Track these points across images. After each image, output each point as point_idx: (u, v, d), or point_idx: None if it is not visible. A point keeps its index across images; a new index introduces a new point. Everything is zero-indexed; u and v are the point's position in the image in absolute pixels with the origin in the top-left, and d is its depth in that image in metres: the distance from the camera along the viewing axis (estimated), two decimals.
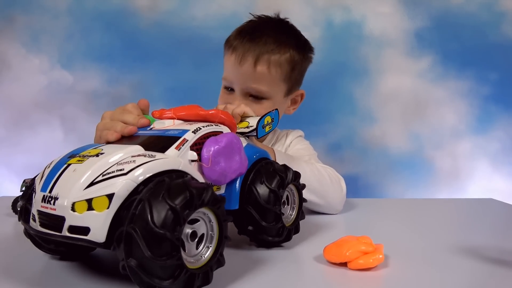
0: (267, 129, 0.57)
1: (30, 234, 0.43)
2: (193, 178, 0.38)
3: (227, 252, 0.40)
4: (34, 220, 0.39)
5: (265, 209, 0.49)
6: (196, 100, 1.03)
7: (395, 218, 0.77)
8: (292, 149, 0.90)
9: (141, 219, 0.32)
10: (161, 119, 0.50)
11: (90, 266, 0.45)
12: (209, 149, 0.43)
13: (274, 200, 0.49)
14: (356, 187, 1.34)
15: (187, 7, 1.34)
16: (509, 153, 1.37)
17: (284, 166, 0.54)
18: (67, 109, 1.33)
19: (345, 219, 0.74)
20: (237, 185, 0.48)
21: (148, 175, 0.36)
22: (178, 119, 0.49)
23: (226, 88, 0.85)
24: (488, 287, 0.43)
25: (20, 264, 0.46)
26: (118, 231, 0.33)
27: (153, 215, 0.32)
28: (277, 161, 0.68)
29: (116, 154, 0.39)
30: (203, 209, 0.37)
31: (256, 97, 0.81)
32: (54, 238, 0.37)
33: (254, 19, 0.89)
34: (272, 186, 0.49)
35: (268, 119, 0.57)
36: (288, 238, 0.53)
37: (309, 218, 0.71)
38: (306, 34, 1.38)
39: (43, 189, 0.39)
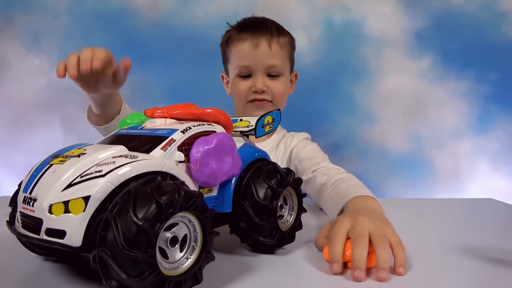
0: (267, 128, 0.55)
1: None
2: (171, 180, 0.37)
3: (223, 257, 0.39)
4: (18, 222, 0.38)
5: (260, 206, 0.47)
6: (196, 99, 1.03)
7: (395, 218, 0.77)
8: (302, 150, 0.93)
9: (110, 241, 0.31)
10: (153, 117, 0.48)
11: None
12: (198, 149, 0.41)
13: (271, 197, 0.47)
14: None
15: (187, 7, 1.34)
16: (509, 153, 1.37)
17: (287, 168, 0.52)
18: (67, 109, 1.32)
19: None
20: (231, 187, 0.47)
21: (127, 177, 0.34)
22: (171, 118, 0.47)
23: (241, 76, 0.92)
24: (488, 287, 0.43)
25: (20, 264, 0.46)
26: (92, 253, 0.32)
27: (121, 237, 0.30)
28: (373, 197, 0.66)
29: (98, 155, 0.38)
30: (179, 213, 0.35)
31: (273, 75, 0.91)
32: (32, 241, 0.36)
33: (240, 20, 0.99)
34: (271, 183, 0.47)
35: (268, 118, 0.55)
36: (281, 243, 0.50)
37: (308, 219, 0.71)
38: (306, 34, 1.38)
39: (25, 190, 0.38)
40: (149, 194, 0.33)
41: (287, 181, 0.50)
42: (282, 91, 0.92)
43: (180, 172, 0.39)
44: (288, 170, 0.51)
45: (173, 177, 0.38)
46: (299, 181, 0.53)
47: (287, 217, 0.53)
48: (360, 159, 1.36)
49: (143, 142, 0.41)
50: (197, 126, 0.44)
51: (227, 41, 0.95)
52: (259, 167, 0.49)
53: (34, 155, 1.32)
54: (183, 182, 0.38)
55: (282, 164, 0.94)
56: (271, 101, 0.92)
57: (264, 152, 0.53)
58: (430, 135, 1.37)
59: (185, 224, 0.37)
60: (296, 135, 0.99)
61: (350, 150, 1.36)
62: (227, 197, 0.46)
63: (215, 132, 0.45)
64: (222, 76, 1.03)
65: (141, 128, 0.47)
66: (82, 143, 0.45)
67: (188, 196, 0.35)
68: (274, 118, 0.56)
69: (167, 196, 0.33)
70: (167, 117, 0.47)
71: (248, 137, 0.55)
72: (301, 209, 0.54)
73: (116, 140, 0.45)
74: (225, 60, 0.99)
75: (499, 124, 1.37)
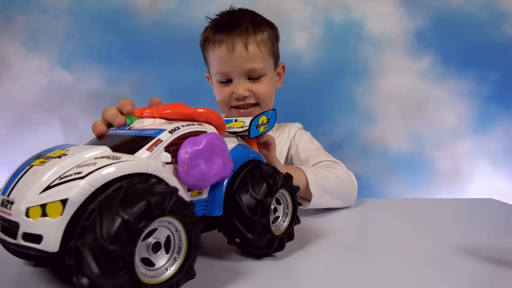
0: (261, 129, 0.53)
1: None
2: (160, 183, 0.35)
3: (212, 263, 0.39)
4: None
5: (251, 221, 0.44)
6: (196, 99, 1.03)
7: (395, 218, 0.77)
8: (300, 140, 0.94)
9: (91, 232, 0.29)
10: (142, 117, 0.46)
11: None
12: (186, 150, 0.39)
13: (261, 211, 0.44)
14: (355, 200, 1.34)
15: (187, 7, 1.34)
16: (509, 153, 1.37)
17: (274, 169, 0.49)
18: (67, 109, 1.33)
19: (345, 219, 0.74)
20: (222, 189, 0.44)
21: (108, 179, 0.33)
22: (160, 118, 0.45)
23: (222, 82, 0.88)
24: (488, 287, 0.43)
25: (20, 263, 0.46)
26: (69, 244, 0.30)
27: (103, 228, 0.29)
28: (308, 177, 0.72)
29: (79, 156, 0.36)
30: (167, 218, 0.33)
31: (254, 78, 0.86)
32: (8, 246, 0.35)
33: (217, 17, 0.94)
34: (259, 195, 0.44)
35: (263, 118, 0.53)
36: (280, 248, 0.48)
37: (306, 220, 0.71)
38: (306, 34, 1.38)
39: (3, 192, 0.36)
40: (140, 192, 0.32)
41: (284, 182, 0.48)
42: (266, 92, 0.88)
43: (166, 174, 0.38)
44: (288, 174, 0.50)
45: (159, 179, 0.36)
46: (289, 179, 0.50)
47: (283, 218, 0.50)
48: (360, 159, 1.36)
49: (129, 143, 0.40)
50: (187, 126, 0.42)
51: (204, 43, 0.91)
52: (258, 165, 0.48)
53: None
54: (177, 189, 0.36)
55: (282, 155, 0.94)
56: (257, 104, 0.88)
57: (258, 154, 0.51)
58: (430, 135, 1.37)
59: (171, 232, 0.35)
60: (292, 125, 1.00)
61: (350, 150, 1.36)
62: (218, 200, 0.44)
63: (205, 132, 0.43)
64: (208, 77, 0.99)
65: (129, 128, 0.45)
66: (67, 143, 0.43)
67: (180, 202, 0.34)
68: (269, 119, 0.54)
69: (159, 196, 0.32)
70: (157, 117, 0.45)
71: (242, 138, 0.53)
72: (295, 218, 0.51)
73: (103, 140, 0.44)
74: (206, 62, 0.95)
75: (499, 124, 1.37)
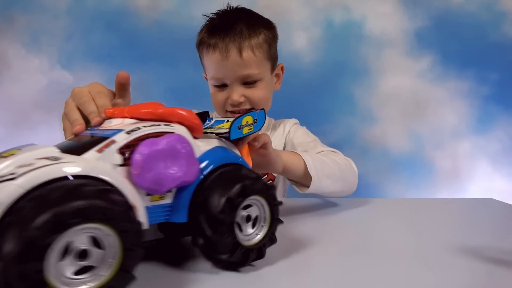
0: (245, 130, 0.47)
1: None
2: (107, 190, 0.33)
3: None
4: None
5: (216, 219, 0.40)
6: (196, 99, 1.04)
7: (395, 218, 0.77)
8: (294, 135, 0.94)
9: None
10: (112, 117, 0.44)
11: None
12: (140, 152, 0.36)
13: (229, 209, 0.40)
14: (356, 187, 1.34)
15: (187, 7, 1.34)
16: (509, 153, 1.37)
17: (253, 173, 0.45)
18: None
19: (345, 219, 0.74)
20: (188, 195, 0.41)
21: (40, 181, 0.31)
22: (131, 117, 0.43)
23: (217, 86, 0.87)
24: (488, 287, 0.43)
25: None
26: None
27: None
28: (306, 161, 0.70)
29: (23, 156, 0.35)
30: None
31: (250, 83, 0.85)
32: None
33: (213, 16, 0.91)
34: (230, 192, 0.41)
35: (248, 119, 0.47)
36: (244, 260, 0.43)
37: (305, 219, 0.71)
38: (306, 34, 1.38)
39: None
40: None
41: (251, 189, 0.42)
42: (261, 97, 0.87)
43: (115, 176, 0.35)
44: (257, 177, 0.44)
45: (104, 182, 0.35)
46: (269, 188, 0.45)
47: (256, 230, 0.44)
48: (360, 159, 1.35)
49: (85, 144, 0.38)
50: (150, 126, 0.40)
51: (199, 46, 0.89)
52: (221, 173, 0.43)
53: None
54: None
55: None
56: (252, 109, 0.85)
57: (237, 157, 0.47)
58: (430, 135, 1.37)
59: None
60: (287, 121, 0.99)
61: (350, 150, 1.36)
62: (182, 206, 0.41)
63: (172, 133, 0.41)
64: (205, 77, 0.98)
65: (98, 128, 0.44)
66: (31, 143, 0.42)
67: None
68: (256, 119, 0.48)
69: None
70: (127, 117, 0.43)
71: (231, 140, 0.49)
72: (275, 221, 0.45)
73: (70, 141, 0.43)
74: (201, 63, 0.94)
75: (499, 124, 1.37)
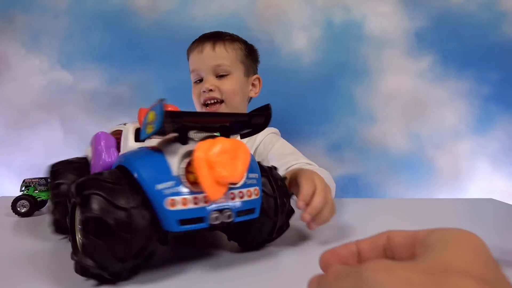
0: (148, 129, 0.38)
1: None
2: None
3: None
4: None
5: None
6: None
7: (395, 218, 0.77)
8: (274, 146, 0.94)
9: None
10: None
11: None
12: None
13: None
14: (356, 187, 1.34)
15: (187, 7, 1.34)
16: (509, 153, 1.37)
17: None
18: (67, 109, 1.33)
19: (345, 219, 0.74)
20: None
21: None
22: None
23: (195, 82, 0.99)
24: None
25: (20, 264, 0.46)
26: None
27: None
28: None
29: None
30: None
31: (221, 75, 0.95)
32: None
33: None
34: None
35: (151, 115, 0.38)
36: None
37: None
38: (306, 34, 1.38)
39: None
40: None
41: (77, 192, 0.38)
42: (231, 89, 0.95)
43: None
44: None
45: None
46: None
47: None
48: (360, 159, 1.36)
49: None
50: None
51: (187, 56, 1.03)
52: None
53: (34, 155, 1.33)
54: None
55: None
56: (222, 101, 0.95)
57: (127, 160, 0.41)
58: (430, 135, 1.37)
59: None
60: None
61: (350, 150, 1.36)
62: None
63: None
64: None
65: None
66: None
67: None
68: (157, 114, 0.37)
69: None
70: None
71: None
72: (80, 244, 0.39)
73: None
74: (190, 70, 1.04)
75: (499, 124, 1.37)
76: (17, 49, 1.34)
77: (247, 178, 0.41)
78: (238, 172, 0.39)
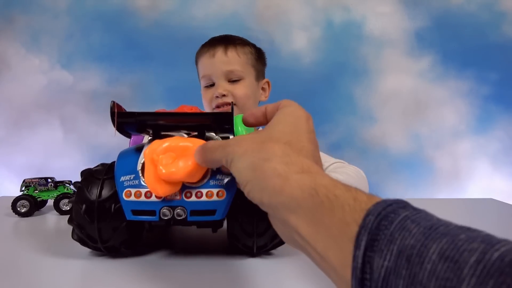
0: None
1: None
2: None
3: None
4: None
5: None
6: (196, 99, 1.03)
7: None
8: None
9: None
10: None
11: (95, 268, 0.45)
12: None
13: None
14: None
15: (187, 7, 1.34)
16: (509, 153, 1.37)
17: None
18: (67, 109, 1.33)
19: None
20: None
21: None
22: None
23: (206, 86, 0.97)
24: None
25: (20, 264, 0.46)
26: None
27: None
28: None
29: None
30: None
31: (234, 80, 0.94)
32: None
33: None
34: None
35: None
36: None
37: None
38: (306, 34, 1.38)
39: None
40: None
41: None
42: (244, 93, 0.94)
43: None
44: None
45: None
46: None
47: None
48: (360, 159, 1.36)
49: None
50: None
51: (195, 60, 1.01)
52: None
53: (34, 155, 1.33)
54: None
55: None
56: (235, 105, 0.94)
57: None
58: (430, 135, 1.37)
59: None
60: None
61: (350, 150, 1.36)
62: None
63: None
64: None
65: None
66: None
67: None
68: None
69: None
70: None
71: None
72: None
73: None
74: (198, 75, 1.04)
75: (499, 124, 1.37)
76: (17, 49, 1.34)
77: (213, 179, 0.40)
78: (182, 171, 0.38)
